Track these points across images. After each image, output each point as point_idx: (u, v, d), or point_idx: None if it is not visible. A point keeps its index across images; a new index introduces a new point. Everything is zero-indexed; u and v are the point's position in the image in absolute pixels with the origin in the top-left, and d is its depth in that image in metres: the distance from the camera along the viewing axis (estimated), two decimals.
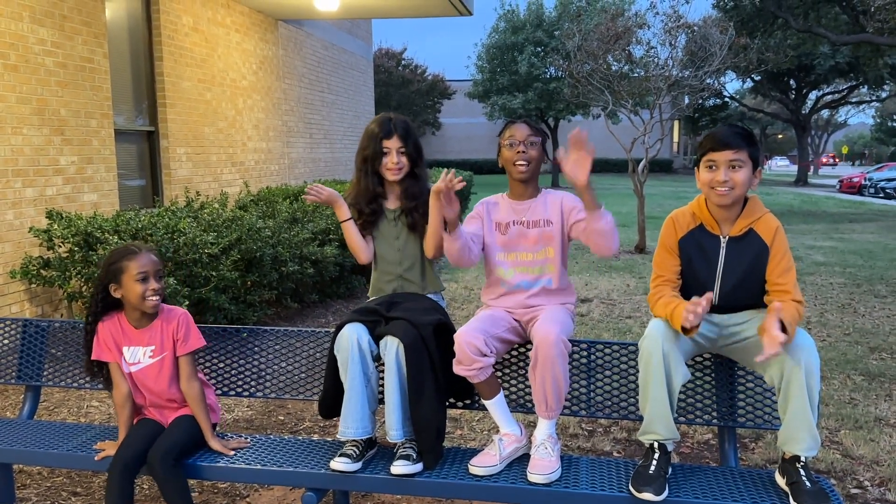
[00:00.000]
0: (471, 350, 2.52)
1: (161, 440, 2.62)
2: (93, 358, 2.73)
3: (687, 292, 2.54)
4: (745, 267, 2.49)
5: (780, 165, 76.54)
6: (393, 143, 2.88)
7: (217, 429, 2.94)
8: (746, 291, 2.50)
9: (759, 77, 32.95)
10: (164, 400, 2.76)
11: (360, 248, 2.96)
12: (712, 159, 2.46)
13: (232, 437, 2.85)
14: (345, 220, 2.95)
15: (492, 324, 2.66)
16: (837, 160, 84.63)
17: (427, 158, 3.20)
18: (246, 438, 2.85)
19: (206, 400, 2.75)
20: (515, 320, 2.77)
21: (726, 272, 2.51)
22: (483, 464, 2.53)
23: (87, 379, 3.13)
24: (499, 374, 2.83)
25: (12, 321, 3.28)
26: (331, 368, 2.69)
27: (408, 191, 2.93)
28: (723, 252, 2.52)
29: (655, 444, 2.43)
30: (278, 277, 6.12)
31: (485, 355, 2.54)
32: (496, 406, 2.67)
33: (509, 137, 2.78)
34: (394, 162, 2.88)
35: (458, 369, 2.58)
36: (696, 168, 2.59)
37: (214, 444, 2.72)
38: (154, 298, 2.66)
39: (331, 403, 2.72)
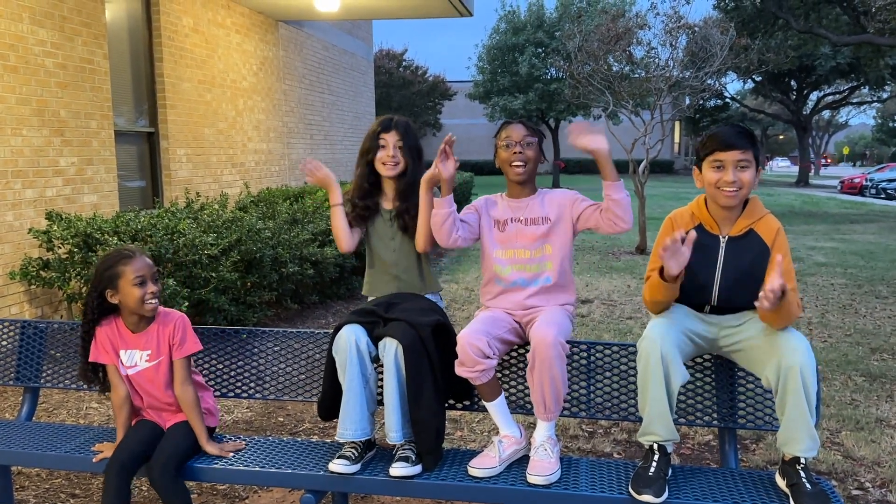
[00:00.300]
0: (474, 352, 2.51)
1: (161, 450, 2.60)
2: (90, 360, 2.71)
3: (685, 292, 2.53)
4: (744, 267, 2.48)
5: (780, 166, 76.54)
6: (390, 137, 2.87)
7: (217, 431, 2.92)
8: (745, 291, 2.49)
9: (760, 78, 32.94)
10: (163, 403, 2.75)
11: (345, 235, 2.94)
12: (719, 159, 2.45)
13: (229, 440, 2.84)
14: (335, 205, 2.94)
15: (493, 325, 2.65)
16: (829, 160, 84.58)
17: (428, 159, 3.19)
18: (243, 440, 2.84)
19: (200, 405, 2.73)
20: (515, 321, 2.76)
21: (725, 271, 2.50)
22: (482, 465, 2.52)
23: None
24: (498, 375, 2.81)
25: (10, 322, 3.28)
26: (329, 370, 2.68)
27: (402, 191, 2.92)
28: (722, 251, 2.51)
29: (655, 446, 2.42)
30: (278, 278, 6.12)
31: (487, 357, 2.53)
32: (497, 408, 2.66)
33: (506, 138, 2.77)
34: (389, 155, 2.86)
35: (460, 371, 2.57)
36: (695, 168, 2.58)
37: (209, 448, 2.70)
38: (153, 302, 2.64)
39: (329, 405, 2.71)
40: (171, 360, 2.71)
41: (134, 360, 2.71)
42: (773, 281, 2.23)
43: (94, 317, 2.69)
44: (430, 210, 2.75)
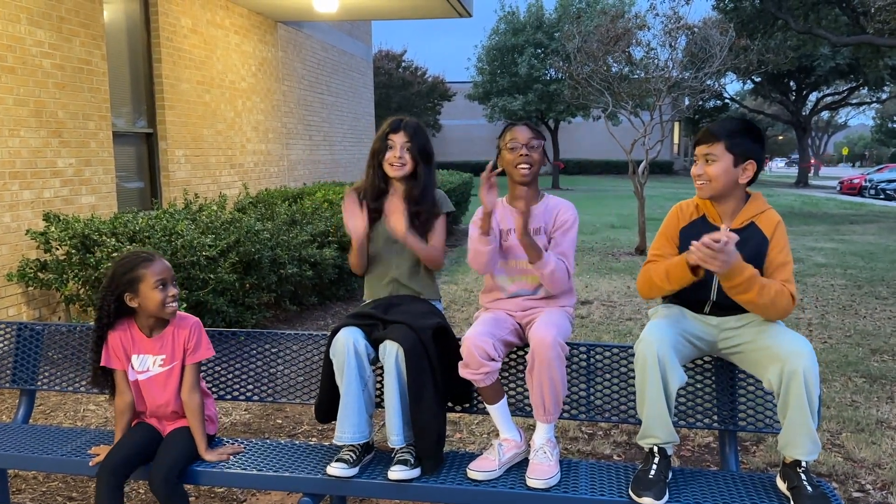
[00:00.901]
0: (479, 354, 2.50)
1: (161, 458, 2.57)
2: (101, 364, 2.68)
3: (687, 288, 2.51)
4: (744, 258, 2.46)
5: (779, 167, 76.69)
6: (398, 138, 2.86)
7: (215, 435, 2.90)
8: None
9: (760, 78, 32.95)
10: (167, 411, 2.71)
11: (362, 264, 2.93)
12: (695, 154, 2.56)
13: (227, 443, 2.82)
14: (359, 242, 2.89)
15: (496, 326, 2.64)
16: (819, 163, 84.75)
17: None
18: (241, 443, 2.83)
19: (204, 412, 2.71)
20: (516, 322, 2.75)
21: None
22: (482, 469, 2.50)
23: (85, 384, 3.11)
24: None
25: (7, 325, 3.26)
26: (327, 373, 2.66)
27: (410, 193, 2.90)
28: None
29: (655, 448, 2.41)
30: (277, 280, 6.10)
31: (493, 360, 2.52)
32: (498, 411, 2.65)
33: (511, 140, 2.75)
34: (396, 156, 2.85)
35: (464, 373, 2.55)
36: None
37: (209, 456, 2.67)
38: (174, 305, 2.62)
39: (327, 408, 2.69)
40: (183, 366, 2.69)
41: (146, 364, 2.68)
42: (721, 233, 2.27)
43: (108, 321, 2.65)
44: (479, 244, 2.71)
